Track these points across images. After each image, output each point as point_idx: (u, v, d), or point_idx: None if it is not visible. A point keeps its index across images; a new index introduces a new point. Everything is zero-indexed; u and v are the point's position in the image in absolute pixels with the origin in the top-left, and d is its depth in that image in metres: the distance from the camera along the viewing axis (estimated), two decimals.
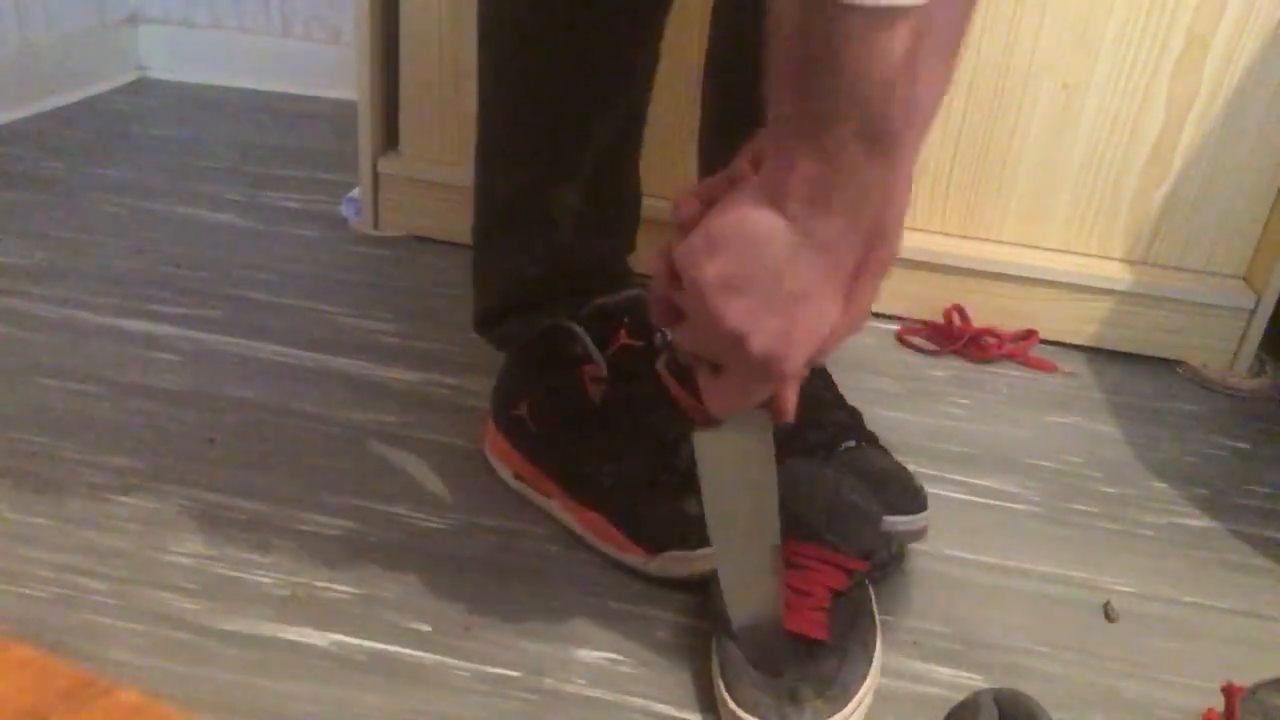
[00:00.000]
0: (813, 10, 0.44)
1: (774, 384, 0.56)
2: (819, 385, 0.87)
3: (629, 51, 0.78)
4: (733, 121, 0.84)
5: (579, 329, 0.78)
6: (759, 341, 0.52)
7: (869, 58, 0.44)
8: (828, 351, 0.55)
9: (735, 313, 0.51)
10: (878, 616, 0.72)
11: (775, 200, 0.50)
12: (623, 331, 0.80)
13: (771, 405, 0.58)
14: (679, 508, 0.76)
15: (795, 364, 0.53)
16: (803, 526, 0.70)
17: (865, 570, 0.72)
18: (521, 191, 0.80)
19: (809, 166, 0.48)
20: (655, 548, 0.75)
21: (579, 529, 0.80)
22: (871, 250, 0.52)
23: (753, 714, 0.64)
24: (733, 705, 0.64)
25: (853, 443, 0.82)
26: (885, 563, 0.77)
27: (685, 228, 0.54)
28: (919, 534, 0.79)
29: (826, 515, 0.70)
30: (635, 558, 0.76)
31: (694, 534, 0.73)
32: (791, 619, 0.67)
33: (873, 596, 0.73)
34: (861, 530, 0.71)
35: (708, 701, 0.67)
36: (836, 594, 0.69)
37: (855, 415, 0.86)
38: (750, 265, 0.51)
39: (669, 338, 0.58)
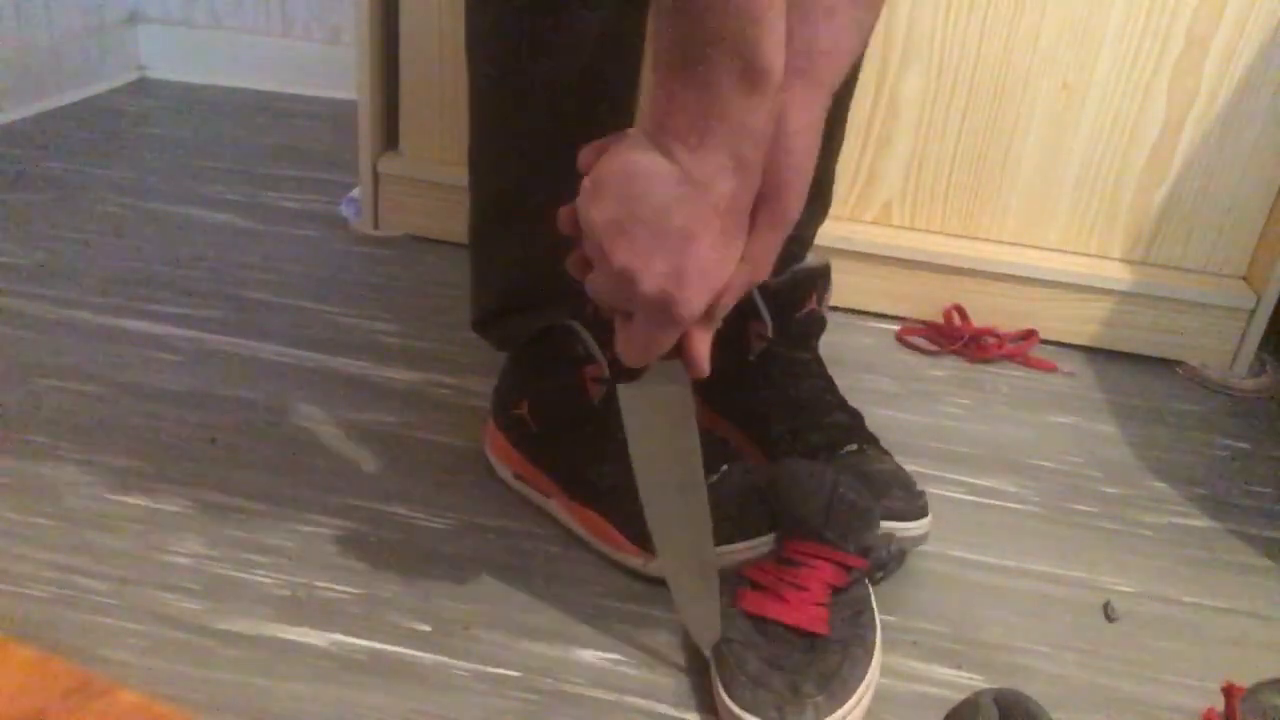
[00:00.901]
0: None
1: (676, 329, 0.56)
2: (820, 387, 0.87)
3: (619, 46, 0.78)
4: None
5: (580, 328, 0.78)
6: (649, 281, 0.53)
7: None
8: (728, 301, 0.56)
9: (623, 252, 0.53)
10: (878, 615, 0.72)
11: (656, 140, 0.52)
12: None
13: (684, 356, 0.58)
14: None
15: (690, 307, 0.54)
16: (801, 525, 0.70)
17: (865, 568, 0.72)
18: (517, 189, 0.80)
19: (685, 101, 0.50)
20: (653, 550, 0.75)
21: (578, 529, 0.80)
22: (766, 202, 0.54)
23: (751, 712, 0.63)
24: (730, 703, 0.64)
25: (854, 446, 0.82)
26: (885, 561, 0.77)
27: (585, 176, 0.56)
28: (919, 540, 0.79)
29: (824, 513, 0.70)
30: (634, 559, 0.76)
31: None
32: (792, 614, 0.68)
33: (873, 594, 0.73)
34: (860, 528, 0.71)
35: (708, 701, 0.67)
36: (837, 590, 0.70)
37: (856, 417, 0.86)
38: (634, 205, 0.52)
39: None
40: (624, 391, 0.62)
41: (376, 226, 1.29)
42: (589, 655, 0.70)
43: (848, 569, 0.70)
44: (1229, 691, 0.66)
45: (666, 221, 0.52)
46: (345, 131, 1.53)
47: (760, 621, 0.69)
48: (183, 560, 0.74)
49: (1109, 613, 0.78)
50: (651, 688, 0.68)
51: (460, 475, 0.86)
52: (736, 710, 0.64)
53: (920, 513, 0.78)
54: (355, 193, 1.29)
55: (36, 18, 1.59)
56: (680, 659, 0.70)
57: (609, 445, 0.78)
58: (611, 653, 0.70)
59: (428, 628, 0.71)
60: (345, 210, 1.31)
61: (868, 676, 0.67)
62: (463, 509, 0.82)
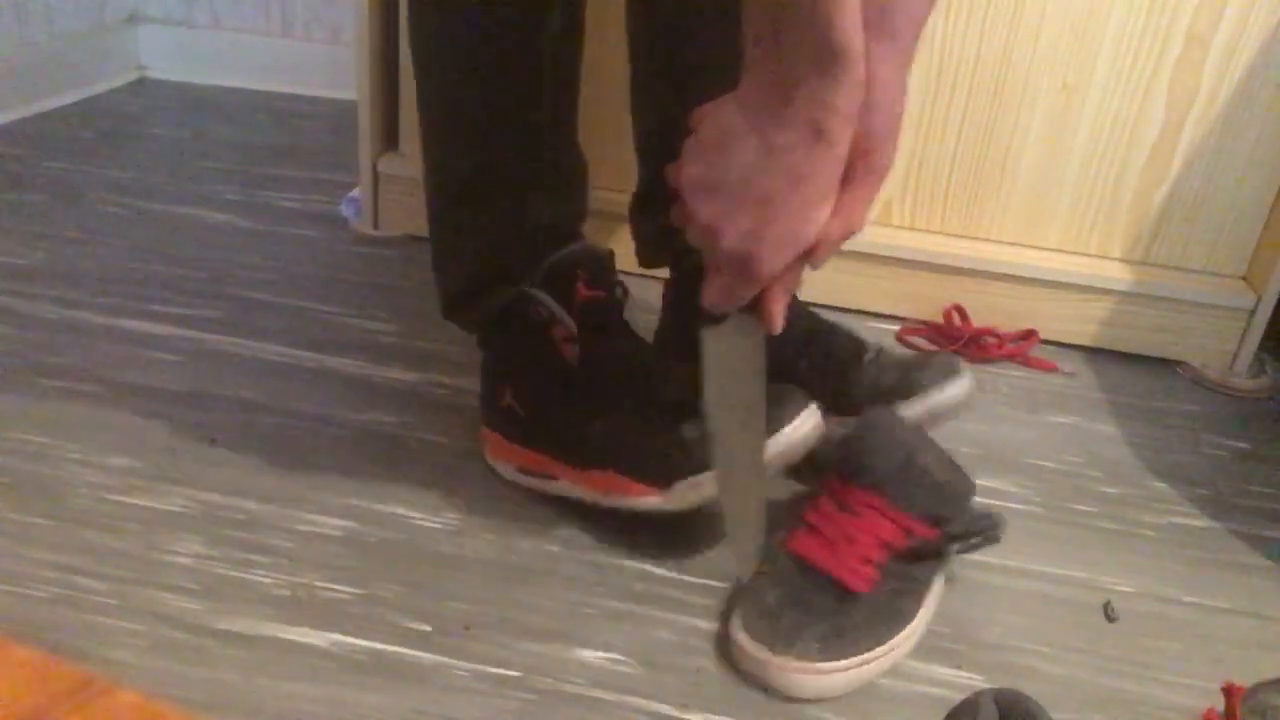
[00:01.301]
0: None
1: (754, 285, 0.59)
2: (814, 314, 0.93)
3: (557, 27, 0.79)
4: (653, 81, 0.87)
5: (539, 293, 0.78)
6: (729, 239, 0.56)
7: None
8: (820, 257, 0.58)
9: (706, 211, 0.56)
10: (928, 611, 0.72)
11: (744, 107, 0.54)
12: (580, 285, 0.80)
13: (760, 312, 0.61)
14: (676, 437, 0.76)
15: (766, 266, 0.57)
16: (866, 474, 0.71)
17: (934, 540, 0.71)
18: (477, 169, 0.80)
19: (766, 72, 0.52)
20: (665, 482, 0.76)
21: (591, 494, 0.80)
22: (859, 158, 0.55)
23: (749, 635, 0.67)
24: (734, 624, 0.68)
25: (872, 354, 0.88)
26: (967, 538, 0.74)
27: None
28: (966, 401, 0.84)
29: (894, 470, 0.71)
30: (652, 499, 0.76)
31: (698, 457, 0.74)
32: (834, 565, 0.69)
33: (933, 589, 0.73)
34: (932, 497, 0.71)
35: (708, 701, 0.67)
36: (896, 555, 0.70)
37: (853, 336, 0.92)
38: (719, 167, 0.55)
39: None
40: (706, 334, 0.65)
41: (376, 226, 1.29)
42: (589, 655, 0.70)
43: (908, 532, 0.70)
44: (1229, 691, 0.66)
45: (747, 186, 0.54)
46: (345, 131, 1.53)
47: (801, 563, 0.70)
48: (183, 560, 0.74)
49: (1109, 613, 0.78)
50: (651, 688, 0.68)
51: (460, 475, 0.86)
52: (736, 632, 0.67)
53: (959, 372, 0.85)
54: (355, 193, 1.29)
55: (36, 18, 1.59)
56: (680, 659, 0.70)
57: (593, 403, 0.79)
58: (611, 653, 0.70)
59: (428, 628, 0.71)
60: (345, 210, 1.31)
61: (876, 652, 0.67)
62: (463, 509, 0.82)
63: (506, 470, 0.85)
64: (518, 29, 0.75)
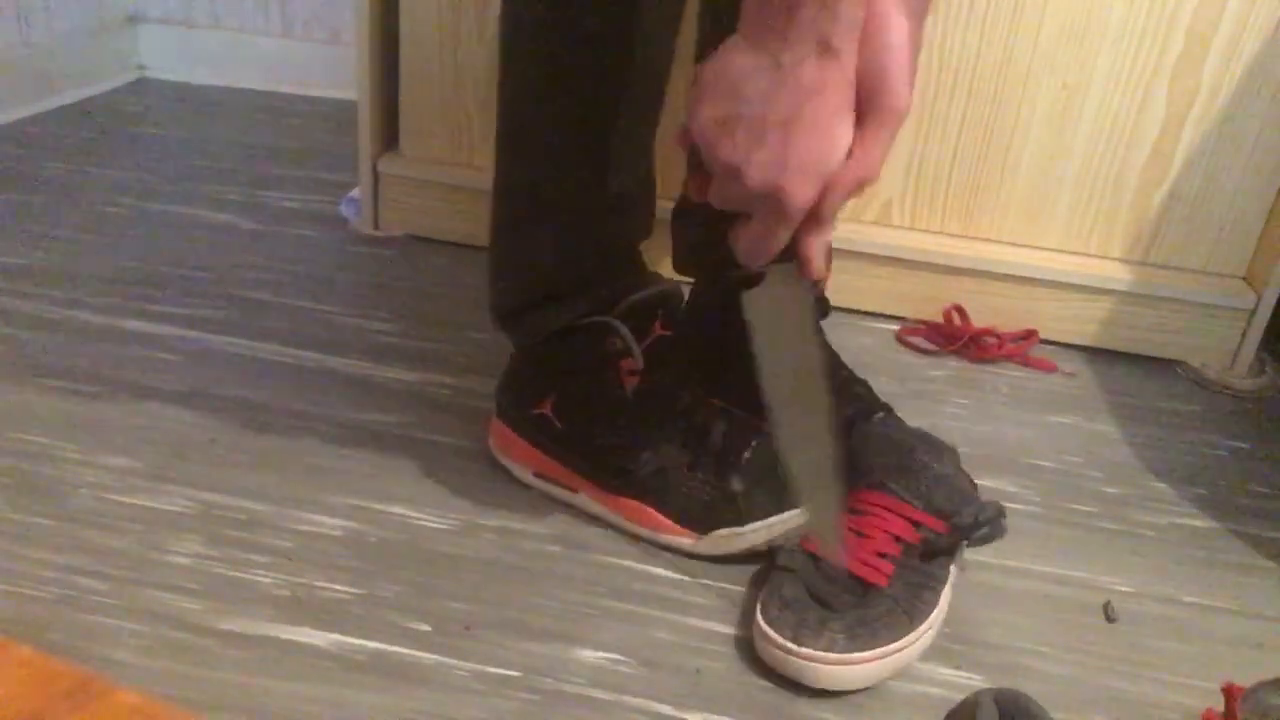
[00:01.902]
0: None
1: (789, 223, 0.58)
2: (835, 362, 0.91)
3: (650, 41, 0.78)
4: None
5: (621, 326, 0.78)
6: (754, 173, 0.55)
7: None
8: (837, 199, 0.57)
9: (726, 148, 0.56)
10: (944, 608, 0.72)
11: (747, 34, 0.55)
12: (658, 324, 0.81)
13: (798, 257, 0.60)
14: (723, 487, 0.77)
15: (797, 196, 0.56)
16: (869, 475, 0.73)
17: (944, 532, 0.72)
18: (544, 181, 0.80)
19: (769, 4, 0.53)
20: (704, 529, 0.77)
21: (616, 518, 0.80)
22: (873, 99, 0.55)
23: (772, 627, 0.67)
24: (758, 616, 0.68)
25: (882, 414, 0.86)
26: (974, 529, 0.75)
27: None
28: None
29: (895, 467, 0.73)
30: (685, 540, 0.78)
31: (742, 510, 0.76)
32: (849, 560, 0.70)
33: (948, 583, 0.73)
34: (938, 490, 0.73)
35: (708, 701, 0.67)
36: (908, 548, 0.71)
37: (868, 387, 0.90)
38: (732, 100, 0.55)
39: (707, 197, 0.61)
40: (747, 298, 0.63)
41: (376, 226, 1.29)
42: (589, 655, 0.70)
43: (915, 524, 0.71)
44: (1229, 691, 0.66)
45: (763, 112, 0.54)
46: (345, 131, 1.53)
47: (818, 561, 0.71)
48: (183, 560, 0.74)
49: (1109, 613, 0.78)
50: (651, 688, 0.68)
51: (460, 475, 0.86)
52: (760, 623, 0.68)
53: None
54: (355, 193, 1.29)
55: (36, 18, 1.59)
56: (680, 659, 0.70)
57: (647, 433, 0.79)
58: (611, 653, 0.70)
59: (428, 628, 0.71)
60: (345, 210, 1.31)
61: (901, 643, 0.68)
62: (463, 509, 0.82)
63: (522, 472, 0.85)
64: (614, 38, 0.74)
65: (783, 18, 0.53)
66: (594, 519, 0.81)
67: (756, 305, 0.64)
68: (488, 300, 0.85)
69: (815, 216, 0.58)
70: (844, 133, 0.55)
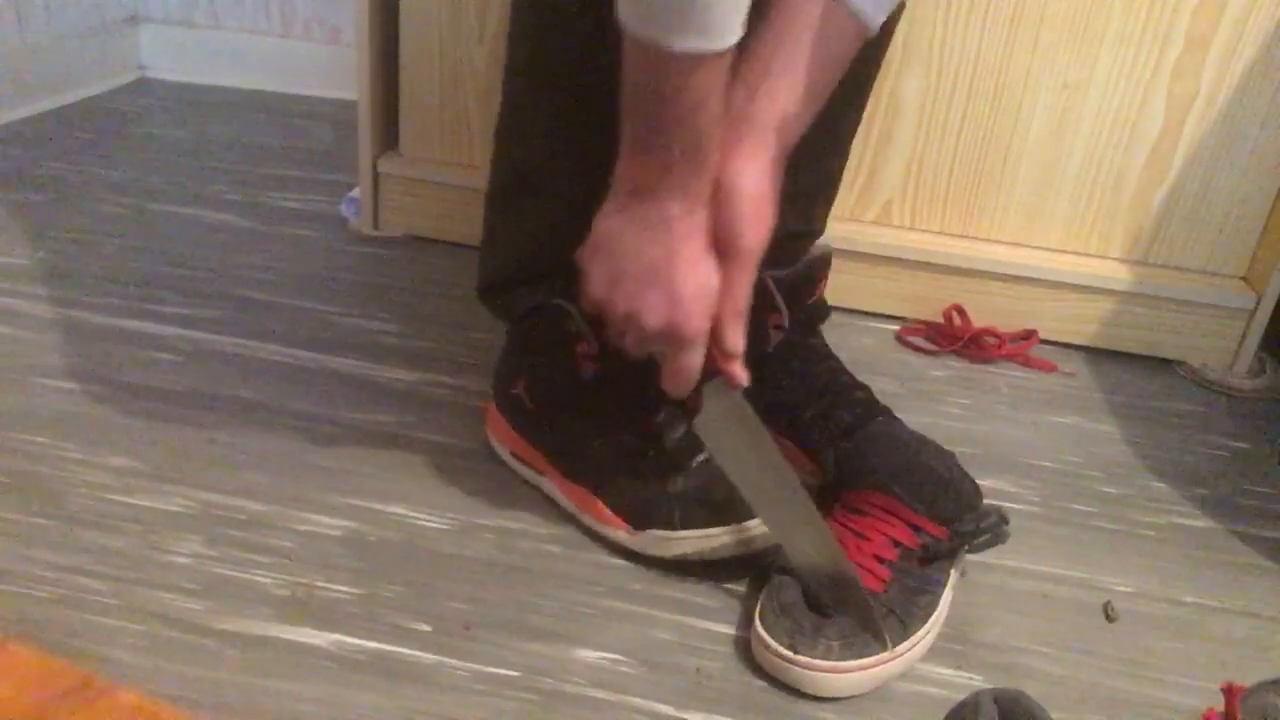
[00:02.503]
0: (643, 56, 0.57)
1: (694, 349, 0.66)
2: (835, 368, 0.90)
3: None
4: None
5: (571, 306, 0.79)
6: (650, 316, 0.64)
7: (683, 87, 0.58)
8: (726, 330, 0.66)
9: (622, 300, 0.65)
10: (941, 614, 0.72)
11: (621, 201, 0.64)
12: None
13: (720, 375, 0.68)
14: (663, 488, 0.77)
15: (693, 324, 0.64)
16: (870, 477, 0.74)
17: (943, 538, 0.72)
18: (536, 162, 0.80)
19: (635, 169, 0.63)
20: (639, 525, 0.77)
21: (567, 504, 0.81)
22: (730, 250, 0.64)
23: (769, 633, 0.68)
24: (756, 622, 0.69)
25: (881, 418, 0.85)
26: (974, 536, 0.76)
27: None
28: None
29: (897, 470, 0.73)
30: (620, 532, 0.78)
31: (677, 513, 0.76)
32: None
33: (948, 588, 0.73)
34: (940, 496, 0.73)
35: (708, 701, 0.67)
36: (906, 553, 0.71)
37: (869, 390, 0.89)
38: (618, 258, 0.65)
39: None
40: (698, 425, 0.71)
41: (376, 226, 1.29)
42: (589, 655, 0.70)
43: (914, 528, 0.71)
44: (1229, 691, 0.65)
45: (643, 263, 0.64)
46: (345, 131, 1.53)
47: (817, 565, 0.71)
48: (183, 560, 0.74)
49: (1109, 613, 0.78)
50: (651, 688, 0.68)
51: (460, 475, 0.86)
52: (758, 628, 0.68)
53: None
54: (355, 193, 1.29)
55: (36, 18, 1.59)
56: (680, 659, 0.70)
57: (599, 422, 0.80)
58: (611, 653, 0.70)
59: (428, 628, 0.71)
60: (345, 210, 1.31)
61: (898, 649, 0.68)
62: (463, 509, 0.82)
63: (502, 452, 0.86)
64: (604, 24, 0.74)
65: (651, 188, 0.62)
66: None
67: (705, 428, 0.71)
68: (476, 274, 0.87)
69: (717, 341, 0.66)
70: (712, 268, 0.64)
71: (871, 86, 0.89)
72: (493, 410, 0.87)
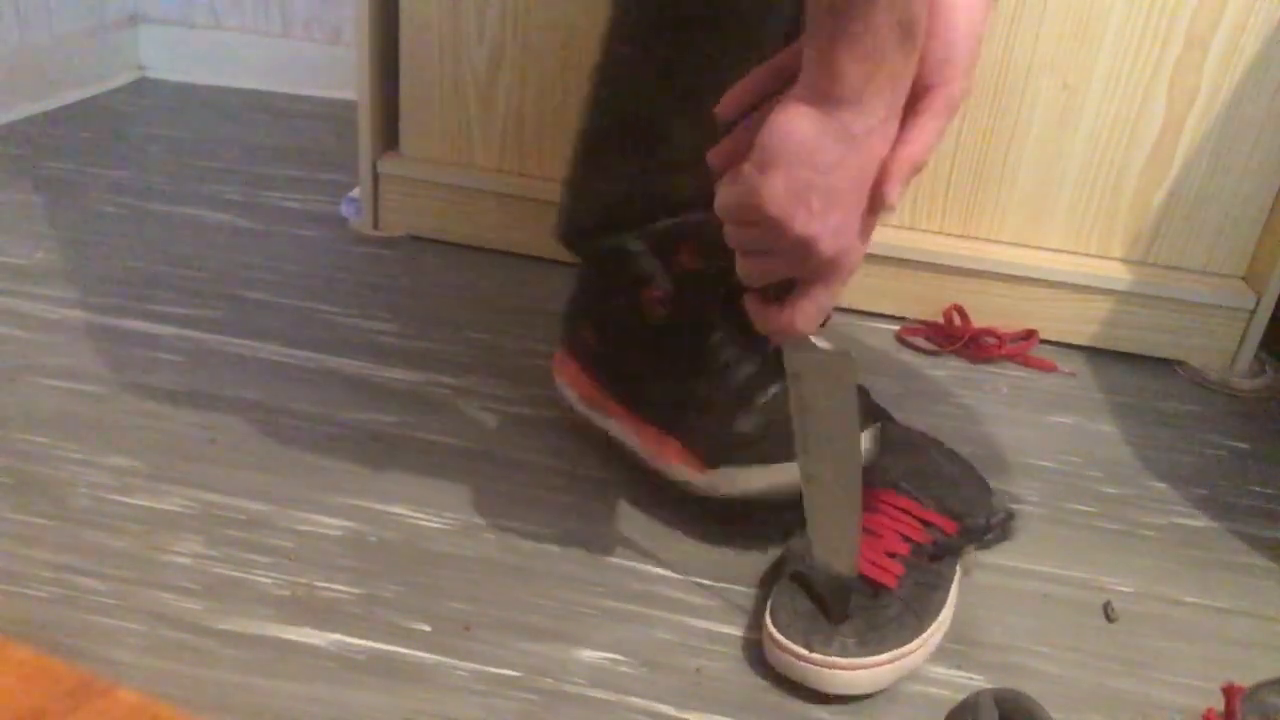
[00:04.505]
0: None
1: (843, 285, 0.59)
2: None
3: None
4: None
5: (640, 249, 0.79)
6: (828, 242, 0.55)
7: None
8: (895, 172, 0.57)
9: (802, 220, 0.55)
10: (950, 609, 0.72)
11: (816, 104, 0.53)
12: (684, 255, 0.81)
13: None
14: (730, 425, 0.78)
15: (858, 259, 0.57)
16: (882, 474, 0.74)
17: (953, 533, 0.73)
18: (641, 109, 0.79)
19: (844, 64, 0.51)
20: (711, 463, 0.78)
21: (640, 445, 0.82)
22: (933, 84, 0.55)
23: (783, 634, 0.67)
24: (768, 622, 0.68)
25: (878, 424, 0.84)
26: (983, 531, 0.77)
27: (722, 168, 0.59)
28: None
29: (908, 469, 0.74)
30: (690, 473, 0.79)
31: (745, 451, 0.76)
32: (860, 562, 0.70)
33: (955, 583, 0.74)
34: (948, 491, 0.73)
35: (708, 701, 0.67)
36: (917, 548, 0.71)
37: (867, 393, 0.88)
38: (806, 171, 0.54)
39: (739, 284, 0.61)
40: (790, 356, 0.63)
41: (376, 226, 1.29)
42: (589, 655, 0.70)
43: (926, 525, 0.71)
44: (1229, 691, 0.66)
45: (837, 180, 0.54)
46: (345, 131, 1.53)
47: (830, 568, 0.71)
48: (183, 560, 0.74)
49: (1109, 613, 0.78)
50: (651, 688, 0.68)
51: (460, 475, 0.86)
52: (771, 629, 0.67)
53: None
54: (355, 193, 1.29)
55: (36, 18, 1.59)
56: (680, 659, 0.70)
57: (669, 364, 0.81)
58: (611, 653, 0.70)
59: (428, 628, 0.71)
60: (345, 210, 1.31)
61: (911, 645, 0.68)
62: (463, 509, 0.82)
63: (571, 396, 0.88)
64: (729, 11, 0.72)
65: (856, 90, 0.52)
66: (590, 515, 0.81)
67: (801, 363, 0.63)
68: (556, 223, 0.85)
69: (874, 195, 0.57)
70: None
71: None
72: (561, 355, 0.89)
